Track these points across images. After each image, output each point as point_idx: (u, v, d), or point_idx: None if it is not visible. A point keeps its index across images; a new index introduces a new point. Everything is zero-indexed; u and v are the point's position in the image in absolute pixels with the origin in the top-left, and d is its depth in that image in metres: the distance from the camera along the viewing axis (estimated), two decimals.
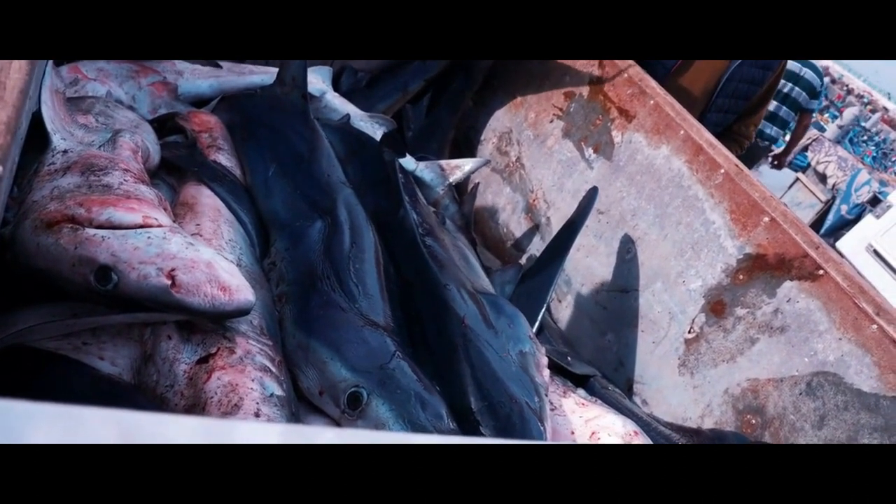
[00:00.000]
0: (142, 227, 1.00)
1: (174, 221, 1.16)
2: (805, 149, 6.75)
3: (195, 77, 1.80)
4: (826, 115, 8.71)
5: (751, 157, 4.50)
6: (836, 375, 1.41)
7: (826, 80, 10.41)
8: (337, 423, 1.08)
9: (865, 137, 9.39)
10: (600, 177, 1.94)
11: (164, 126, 1.62)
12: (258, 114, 1.66)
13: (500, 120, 2.33)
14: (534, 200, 2.15)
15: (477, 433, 1.11)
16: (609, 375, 1.75)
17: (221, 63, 1.87)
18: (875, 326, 1.37)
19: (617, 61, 1.96)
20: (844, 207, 6.06)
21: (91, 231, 0.98)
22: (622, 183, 1.88)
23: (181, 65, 1.79)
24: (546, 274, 1.62)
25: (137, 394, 0.96)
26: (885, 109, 10.46)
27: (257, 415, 0.90)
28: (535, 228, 2.13)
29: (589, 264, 1.92)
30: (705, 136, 1.72)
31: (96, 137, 1.23)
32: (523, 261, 2.09)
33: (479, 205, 2.30)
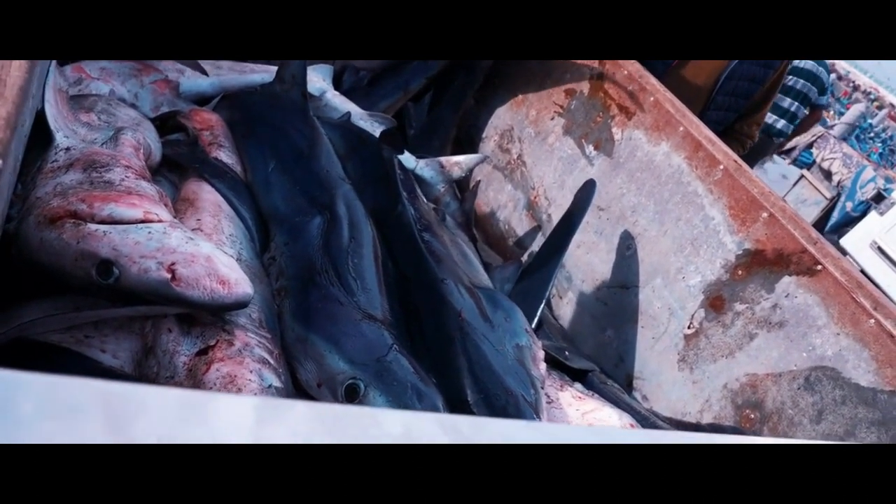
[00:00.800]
0: (143, 222, 1.02)
1: (175, 217, 1.17)
2: (810, 146, 6.72)
3: (196, 75, 1.82)
4: (832, 112, 8.67)
5: (759, 152, 4.48)
6: (834, 370, 1.41)
7: (832, 76, 10.39)
8: None
9: (872, 134, 9.36)
10: (601, 173, 1.95)
11: (165, 124, 1.64)
12: (258, 111, 1.68)
13: (502, 118, 2.34)
14: (535, 197, 2.16)
15: None
16: (609, 371, 1.76)
17: (221, 62, 1.89)
18: (873, 321, 1.37)
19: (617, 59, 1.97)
20: (850, 204, 6.05)
21: (93, 226, 0.99)
22: (622, 179, 1.89)
23: (182, 63, 1.81)
24: (545, 270, 1.63)
25: None
26: (892, 106, 10.41)
27: None
28: (536, 226, 2.14)
29: (589, 261, 1.93)
30: (704, 133, 1.73)
31: (99, 135, 1.25)
32: (525, 258, 2.10)
33: (481, 202, 2.32)
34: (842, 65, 10.66)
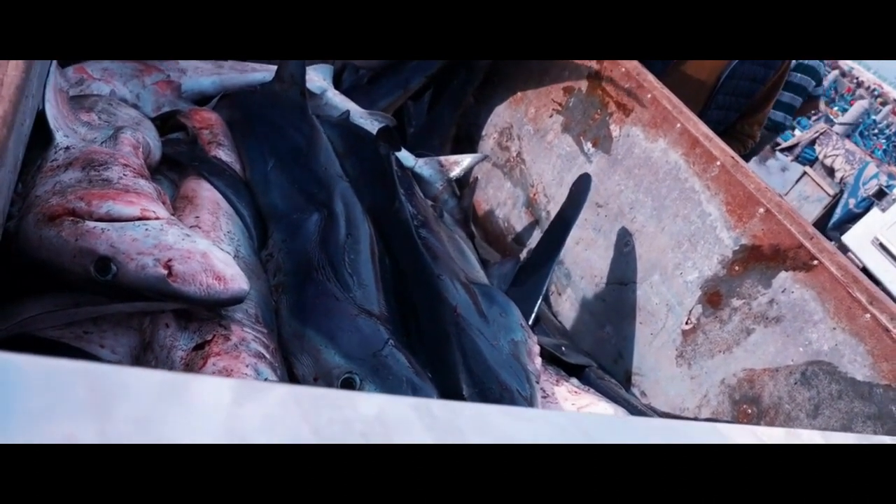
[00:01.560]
0: (140, 219, 1.03)
1: (174, 214, 1.19)
2: (813, 143, 6.71)
3: (198, 75, 1.83)
4: (835, 109, 8.66)
5: (758, 144, 4.46)
6: (830, 365, 1.42)
7: (835, 73, 10.35)
8: None
9: (876, 131, 9.33)
10: (599, 170, 1.96)
11: (166, 123, 1.66)
12: (257, 110, 1.69)
13: (501, 116, 2.35)
14: (534, 195, 2.17)
15: None
16: (608, 367, 1.77)
17: (222, 62, 1.90)
18: (868, 315, 1.38)
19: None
20: (852, 201, 6.03)
21: (91, 224, 1.01)
22: (620, 176, 1.90)
23: (183, 63, 1.82)
24: (542, 266, 1.64)
25: None
26: None
27: None
28: (535, 222, 2.15)
29: (588, 257, 1.94)
30: (702, 129, 1.74)
31: (98, 134, 1.26)
32: (524, 254, 2.11)
33: (481, 199, 2.33)
34: (845, 61, 10.64)
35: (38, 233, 1.02)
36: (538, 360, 1.31)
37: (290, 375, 1.13)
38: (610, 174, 1.93)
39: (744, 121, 2.75)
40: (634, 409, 1.44)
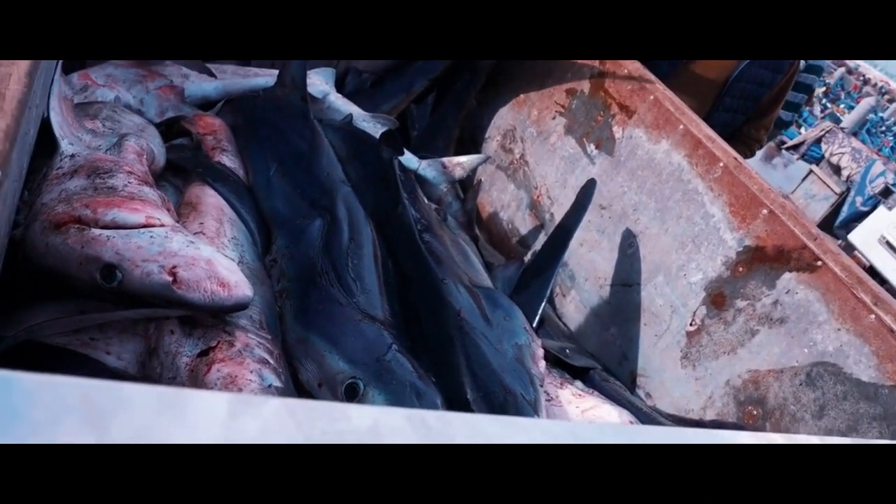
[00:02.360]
0: (145, 226, 1.04)
1: (178, 221, 1.20)
2: (818, 140, 6.68)
3: (201, 80, 1.84)
4: (842, 106, 8.62)
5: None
6: (835, 366, 1.42)
7: (841, 70, 10.30)
8: None
9: (883, 128, 9.29)
10: (602, 172, 1.96)
11: (170, 129, 1.67)
12: (260, 115, 1.70)
13: (504, 118, 2.35)
14: (538, 197, 2.17)
15: None
16: (613, 369, 1.77)
17: (225, 66, 1.91)
18: (873, 316, 1.38)
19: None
20: (859, 199, 6.00)
21: (96, 231, 1.02)
22: (623, 178, 1.90)
23: (186, 69, 1.83)
24: (546, 269, 1.64)
25: None
26: None
27: None
28: (539, 225, 2.15)
29: (592, 259, 1.94)
30: (704, 131, 1.74)
31: (103, 142, 1.27)
32: (528, 257, 2.12)
33: (485, 202, 2.33)
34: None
35: (45, 240, 1.03)
36: (542, 364, 1.31)
37: (295, 381, 1.14)
38: (613, 176, 1.93)
39: (750, 125, 2.74)
40: (639, 412, 1.45)
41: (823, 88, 8.54)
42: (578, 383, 1.46)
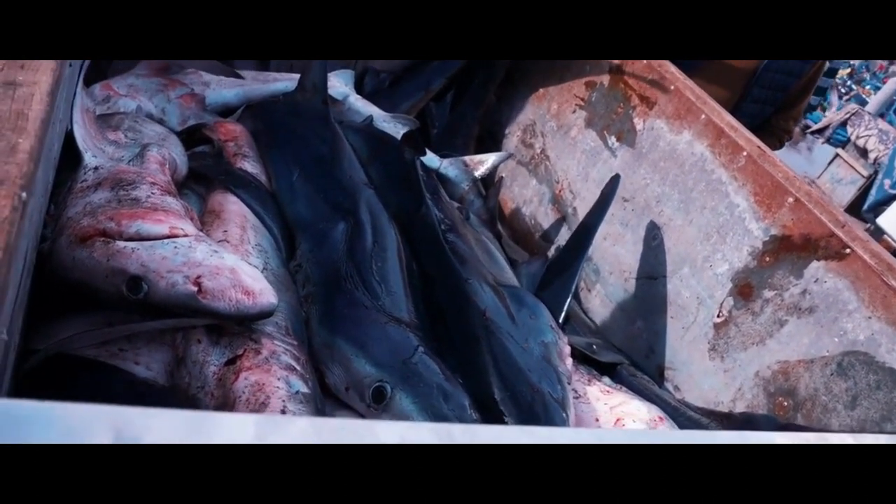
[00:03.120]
0: (169, 237, 1.05)
1: (201, 229, 1.21)
2: (844, 123, 6.56)
3: (221, 87, 1.85)
4: (867, 87, 8.44)
5: None
6: (866, 354, 1.39)
7: None
8: (363, 418, 1.13)
9: None
10: (624, 164, 1.94)
11: (192, 136, 1.68)
12: (281, 120, 1.71)
13: (524, 113, 2.34)
14: (560, 191, 2.16)
15: (501, 423, 1.13)
16: (640, 363, 1.76)
17: (245, 73, 1.92)
18: None
19: None
20: (888, 182, 5.88)
21: (121, 244, 1.03)
22: (646, 170, 1.88)
23: (206, 76, 1.85)
24: (570, 264, 1.63)
25: (171, 396, 1.01)
26: None
27: (283, 411, 0.95)
28: (561, 219, 2.14)
29: (616, 252, 1.92)
30: (726, 119, 1.72)
31: (126, 153, 1.29)
32: (551, 252, 2.11)
33: (507, 198, 2.32)
34: None
35: (72, 254, 1.04)
36: (569, 361, 1.31)
37: (322, 386, 1.14)
38: (635, 168, 1.91)
39: (779, 115, 2.70)
40: (668, 406, 1.44)
41: (848, 70, 8.38)
42: (606, 379, 1.45)
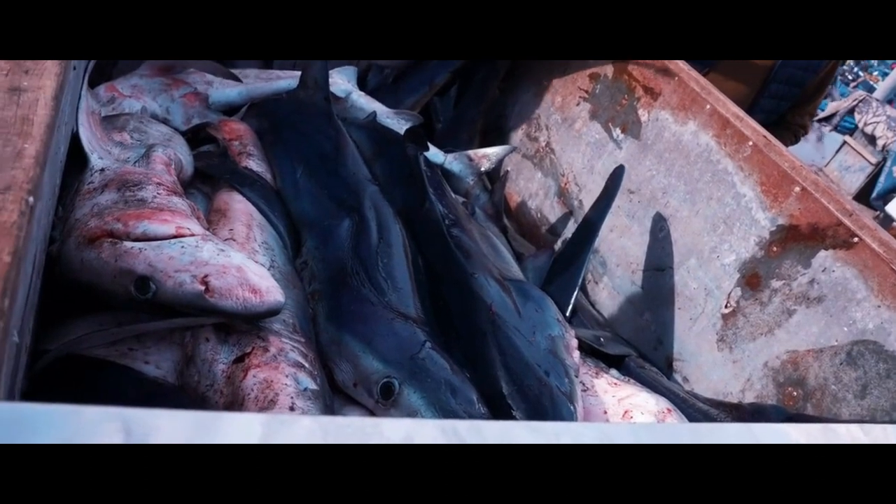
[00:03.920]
0: (175, 237, 1.06)
1: (208, 229, 1.21)
2: (851, 110, 6.51)
3: (225, 86, 1.86)
4: (875, 74, 8.38)
5: None
6: (876, 343, 1.39)
7: None
8: (372, 413, 1.13)
9: None
10: (629, 156, 1.94)
11: (197, 136, 1.69)
12: (284, 118, 1.71)
13: (528, 106, 2.34)
14: (565, 184, 2.16)
15: (509, 417, 1.14)
16: (648, 354, 1.76)
17: (248, 71, 1.92)
18: None
19: None
20: None
21: (129, 244, 1.03)
22: (651, 161, 1.88)
23: (210, 75, 1.85)
24: (577, 257, 1.63)
25: (181, 394, 1.02)
26: None
27: (292, 408, 0.95)
28: (567, 212, 2.14)
29: (623, 244, 1.92)
30: (731, 109, 1.71)
31: (131, 153, 1.29)
32: (558, 245, 2.11)
33: (512, 192, 2.32)
34: None
35: (80, 255, 1.05)
36: (576, 354, 1.31)
37: (330, 382, 1.15)
38: (640, 160, 1.91)
39: (795, 111, 2.71)
40: (676, 397, 1.43)
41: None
42: (614, 372, 1.45)
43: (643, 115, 1.93)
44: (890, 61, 9.74)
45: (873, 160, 6.14)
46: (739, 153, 1.66)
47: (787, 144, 2.77)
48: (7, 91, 0.73)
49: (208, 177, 1.51)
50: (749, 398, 1.57)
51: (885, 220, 5.53)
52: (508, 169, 2.32)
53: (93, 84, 1.63)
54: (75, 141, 1.20)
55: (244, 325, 1.06)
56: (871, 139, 6.35)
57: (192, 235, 1.07)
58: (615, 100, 2.02)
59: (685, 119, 1.80)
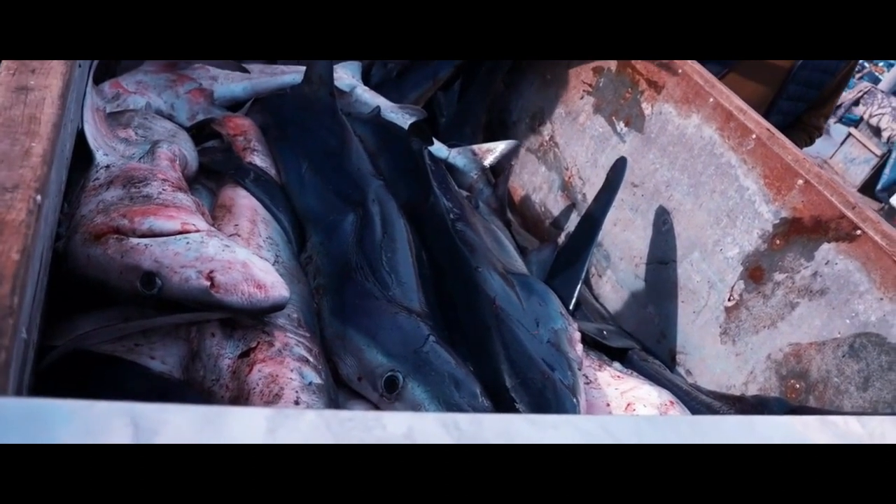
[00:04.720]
0: (181, 233, 1.07)
1: (213, 224, 1.22)
2: (856, 102, 6.49)
3: (229, 81, 1.87)
4: (880, 65, 8.34)
5: None
6: (878, 336, 1.39)
7: None
8: (376, 407, 1.14)
9: None
10: (633, 150, 1.94)
11: (202, 132, 1.69)
12: (289, 113, 1.72)
13: (532, 100, 2.34)
14: (569, 178, 2.16)
15: (512, 410, 1.15)
16: (652, 347, 1.77)
17: (252, 66, 1.93)
18: None
19: None
20: None
21: (135, 240, 1.04)
22: (654, 155, 1.88)
23: (214, 71, 1.86)
24: (580, 251, 1.64)
25: (187, 389, 1.03)
26: None
27: (297, 402, 0.96)
28: (571, 205, 2.15)
29: (626, 238, 1.93)
30: (735, 102, 1.71)
31: (136, 150, 1.30)
32: (562, 238, 2.11)
33: (516, 185, 2.33)
34: None
35: (86, 252, 1.06)
36: (580, 347, 1.32)
37: (335, 376, 1.16)
38: (644, 153, 1.91)
39: (811, 113, 2.71)
40: (679, 390, 1.44)
41: None
42: (617, 364, 1.46)
43: (647, 108, 1.93)
44: None
45: (878, 152, 6.12)
46: (743, 146, 1.66)
47: (801, 145, 2.79)
48: (14, 90, 0.74)
49: (213, 172, 1.52)
50: (752, 391, 1.57)
51: (890, 212, 5.51)
52: (512, 163, 2.32)
53: (97, 80, 1.64)
54: (80, 137, 1.21)
55: (249, 321, 1.07)
56: (877, 131, 6.32)
57: (198, 231, 1.08)
58: (619, 93, 2.02)
59: (688, 112, 1.80)
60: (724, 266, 1.67)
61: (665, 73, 1.88)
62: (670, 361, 1.73)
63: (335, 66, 1.93)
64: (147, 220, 1.06)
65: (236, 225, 1.30)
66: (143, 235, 1.05)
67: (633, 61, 1.98)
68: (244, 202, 1.38)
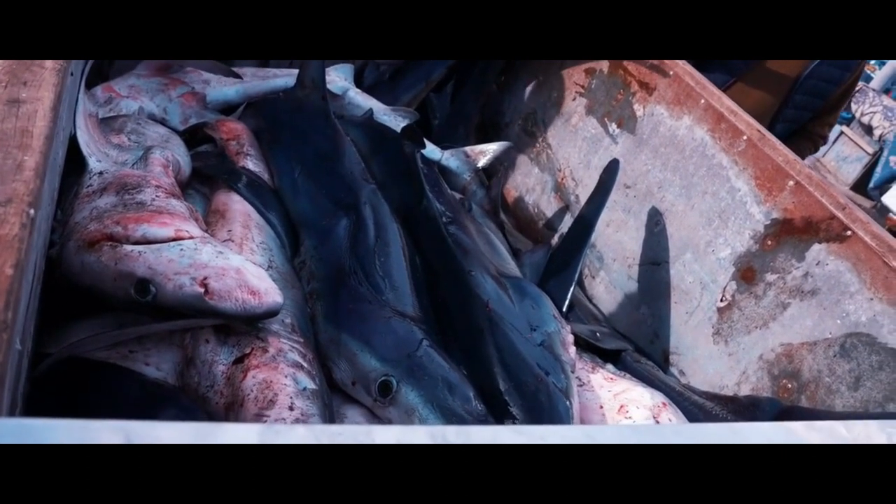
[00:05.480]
0: (174, 240, 1.07)
1: (206, 230, 1.22)
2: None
3: (222, 85, 1.87)
4: (872, 63, 8.36)
5: None
6: (869, 336, 1.40)
7: None
8: (370, 412, 1.15)
9: None
10: (625, 151, 1.95)
11: (194, 136, 1.69)
12: (282, 118, 1.72)
13: (524, 101, 2.35)
14: (562, 179, 2.17)
15: (506, 413, 1.15)
16: (645, 348, 1.77)
17: (245, 69, 1.93)
18: None
19: None
20: (893, 159, 5.84)
21: (128, 247, 1.05)
22: (647, 156, 1.89)
23: (207, 74, 1.86)
24: (573, 252, 1.64)
25: (181, 395, 1.03)
26: None
27: (291, 408, 0.97)
28: (565, 207, 2.15)
29: (619, 239, 1.94)
30: (726, 104, 1.72)
31: (129, 156, 1.30)
32: (555, 240, 2.12)
33: (510, 187, 2.33)
34: None
35: (80, 259, 1.06)
36: (573, 350, 1.32)
37: (329, 381, 1.16)
38: (636, 154, 1.92)
39: (815, 122, 2.74)
40: (672, 391, 1.45)
41: None
42: (610, 366, 1.46)
43: (639, 110, 1.94)
44: None
45: (870, 150, 6.14)
46: (734, 147, 1.67)
47: (806, 154, 2.83)
48: (6, 103, 0.74)
49: (206, 177, 1.52)
50: (744, 391, 1.58)
51: (882, 210, 5.53)
52: (505, 164, 2.33)
53: (89, 85, 1.64)
54: (73, 144, 1.21)
55: (243, 327, 1.08)
56: (868, 129, 6.34)
57: (191, 238, 1.08)
58: (611, 95, 2.03)
59: (680, 114, 1.81)
60: (716, 267, 1.68)
61: (656, 74, 1.89)
62: (663, 362, 1.74)
63: (328, 69, 1.94)
64: (141, 227, 1.07)
65: (230, 230, 1.30)
66: (137, 242, 1.05)
67: (624, 62, 1.99)
68: (237, 207, 1.38)
